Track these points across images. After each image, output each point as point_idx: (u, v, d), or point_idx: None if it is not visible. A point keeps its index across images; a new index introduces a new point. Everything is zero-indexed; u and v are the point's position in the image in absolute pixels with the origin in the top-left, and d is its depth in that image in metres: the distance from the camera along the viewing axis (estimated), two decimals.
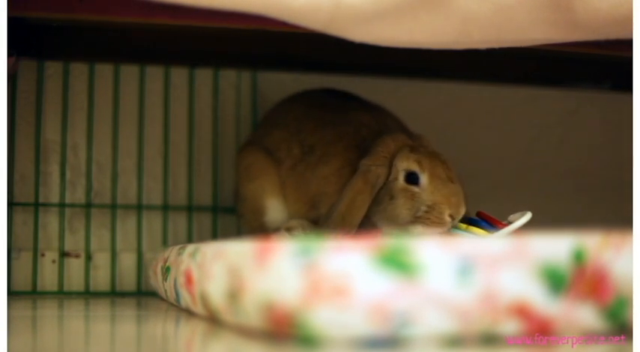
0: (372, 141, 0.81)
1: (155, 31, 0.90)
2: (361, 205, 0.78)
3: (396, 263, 0.41)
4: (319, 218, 0.83)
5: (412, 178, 0.78)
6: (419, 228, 0.77)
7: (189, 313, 0.67)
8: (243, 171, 0.90)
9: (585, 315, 0.43)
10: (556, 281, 0.43)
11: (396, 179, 0.79)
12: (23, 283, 0.97)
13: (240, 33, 0.88)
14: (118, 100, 1.02)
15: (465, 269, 0.41)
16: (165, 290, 0.75)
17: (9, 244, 0.96)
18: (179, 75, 1.04)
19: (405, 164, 0.79)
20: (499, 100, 1.12)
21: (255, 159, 0.89)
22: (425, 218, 0.77)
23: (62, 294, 0.97)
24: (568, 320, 0.43)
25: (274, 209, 0.87)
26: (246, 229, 0.91)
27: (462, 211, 0.78)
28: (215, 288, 0.52)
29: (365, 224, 0.79)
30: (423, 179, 0.78)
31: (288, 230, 0.84)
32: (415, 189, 0.78)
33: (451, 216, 0.77)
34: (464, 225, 0.79)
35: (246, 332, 0.48)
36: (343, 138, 0.84)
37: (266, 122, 0.93)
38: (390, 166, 0.79)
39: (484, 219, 0.79)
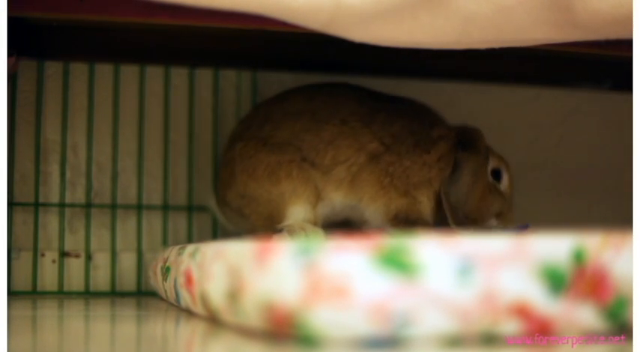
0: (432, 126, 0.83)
1: (155, 31, 0.90)
2: (491, 197, 0.79)
3: (396, 263, 0.41)
4: (413, 209, 0.82)
5: (497, 175, 0.80)
6: (497, 224, 0.79)
7: (189, 313, 0.67)
8: (263, 170, 0.85)
9: (585, 315, 0.43)
10: (556, 281, 0.43)
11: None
12: (23, 283, 0.97)
13: (240, 33, 0.87)
14: (118, 100, 1.02)
15: (465, 269, 0.41)
16: (165, 291, 0.75)
17: (9, 244, 0.96)
18: (179, 75, 1.04)
19: (494, 161, 0.81)
20: (499, 100, 1.12)
21: (279, 161, 0.84)
22: (507, 215, 0.80)
23: (62, 294, 0.97)
24: (568, 320, 0.43)
25: (295, 215, 0.83)
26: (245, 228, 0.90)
27: None
28: (215, 288, 0.52)
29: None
30: (505, 177, 0.80)
31: (289, 231, 0.83)
32: (499, 186, 0.80)
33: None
34: None
35: (246, 332, 0.48)
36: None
37: (295, 121, 0.86)
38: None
39: None
